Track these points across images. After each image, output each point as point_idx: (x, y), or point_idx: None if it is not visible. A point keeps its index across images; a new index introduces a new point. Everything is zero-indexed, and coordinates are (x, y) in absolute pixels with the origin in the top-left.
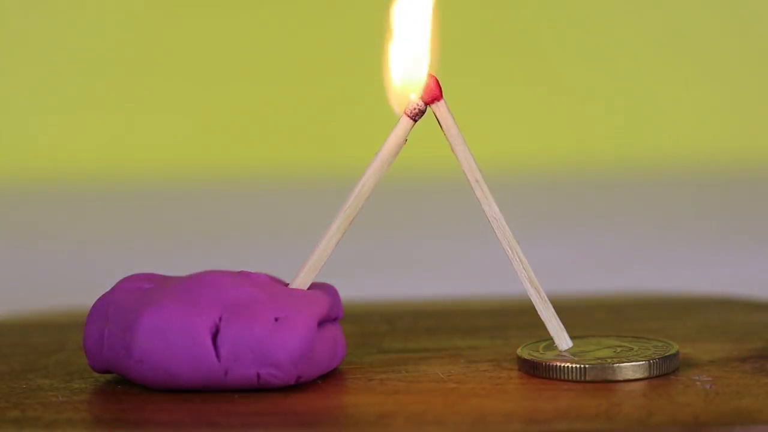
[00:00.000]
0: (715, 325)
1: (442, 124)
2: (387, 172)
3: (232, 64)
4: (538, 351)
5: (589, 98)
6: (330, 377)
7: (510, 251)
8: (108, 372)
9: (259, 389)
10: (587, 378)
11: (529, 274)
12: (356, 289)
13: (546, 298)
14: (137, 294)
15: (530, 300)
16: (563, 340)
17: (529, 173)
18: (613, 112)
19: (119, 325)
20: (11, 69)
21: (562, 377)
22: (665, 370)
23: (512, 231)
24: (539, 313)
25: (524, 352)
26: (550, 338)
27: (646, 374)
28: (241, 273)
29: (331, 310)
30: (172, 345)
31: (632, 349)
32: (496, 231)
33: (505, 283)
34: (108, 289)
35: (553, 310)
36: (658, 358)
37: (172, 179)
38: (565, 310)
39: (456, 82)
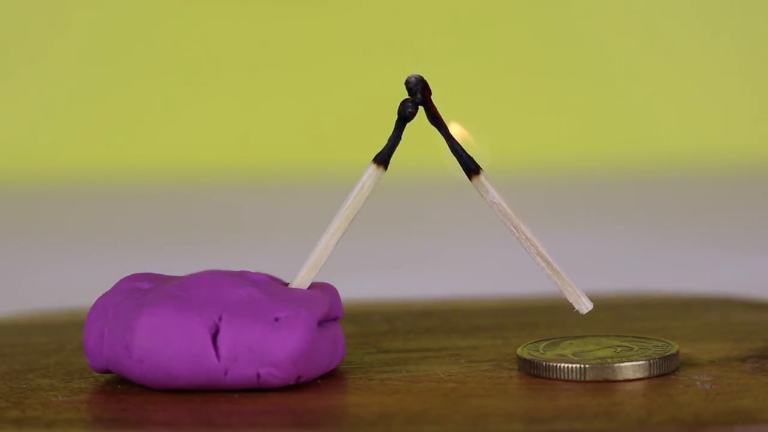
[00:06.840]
0: (715, 325)
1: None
2: (387, 172)
3: (232, 65)
4: (538, 351)
5: (590, 100)
6: (330, 377)
7: (515, 231)
8: (108, 372)
9: (259, 389)
10: (587, 378)
11: (538, 248)
12: (356, 289)
13: (558, 268)
14: (137, 294)
15: (531, 298)
16: (582, 304)
17: (530, 174)
18: (613, 114)
19: (119, 325)
20: (11, 69)
21: (562, 377)
22: (665, 370)
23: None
24: (554, 283)
25: (524, 352)
26: (551, 338)
27: (646, 374)
28: (240, 273)
29: (331, 310)
30: (172, 345)
31: (632, 349)
32: (498, 214)
33: (505, 283)
34: (108, 289)
35: (566, 277)
36: (658, 358)
37: (172, 180)
38: (566, 310)
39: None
